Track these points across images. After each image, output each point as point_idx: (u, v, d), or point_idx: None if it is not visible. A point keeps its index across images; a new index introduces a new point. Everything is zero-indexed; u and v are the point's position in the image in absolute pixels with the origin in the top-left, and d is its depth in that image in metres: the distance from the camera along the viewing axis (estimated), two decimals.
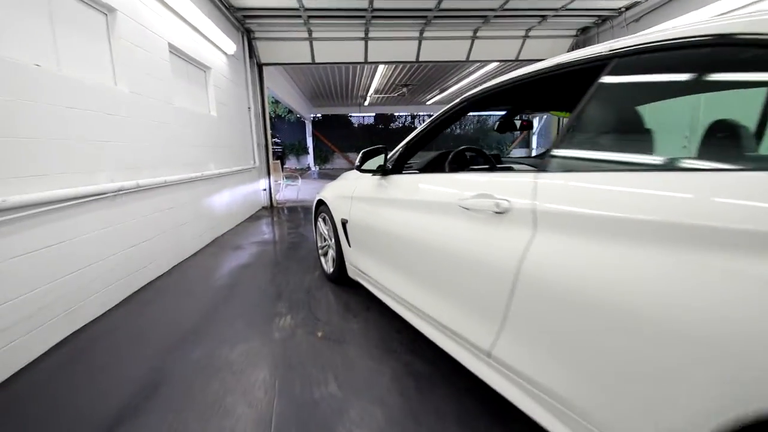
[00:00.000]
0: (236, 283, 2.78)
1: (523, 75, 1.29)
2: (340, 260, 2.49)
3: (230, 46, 4.87)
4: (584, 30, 6.48)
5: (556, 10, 5.43)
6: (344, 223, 2.29)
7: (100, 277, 2.30)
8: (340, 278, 2.55)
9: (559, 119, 7.96)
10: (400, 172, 1.90)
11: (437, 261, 1.41)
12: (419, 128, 1.78)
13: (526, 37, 6.52)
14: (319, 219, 2.84)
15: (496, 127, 2.15)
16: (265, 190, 6.63)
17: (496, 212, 1.11)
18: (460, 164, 2.00)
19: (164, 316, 2.25)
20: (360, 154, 1.90)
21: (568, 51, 7.11)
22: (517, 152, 17.85)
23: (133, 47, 2.82)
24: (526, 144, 18.06)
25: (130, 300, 2.50)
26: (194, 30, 3.94)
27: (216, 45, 4.58)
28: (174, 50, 3.55)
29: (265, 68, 6.62)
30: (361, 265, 2.17)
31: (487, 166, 2.09)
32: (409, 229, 1.61)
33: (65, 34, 2.24)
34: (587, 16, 5.87)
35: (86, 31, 2.44)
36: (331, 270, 2.68)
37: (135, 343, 1.93)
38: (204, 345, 1.88)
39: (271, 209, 6.43)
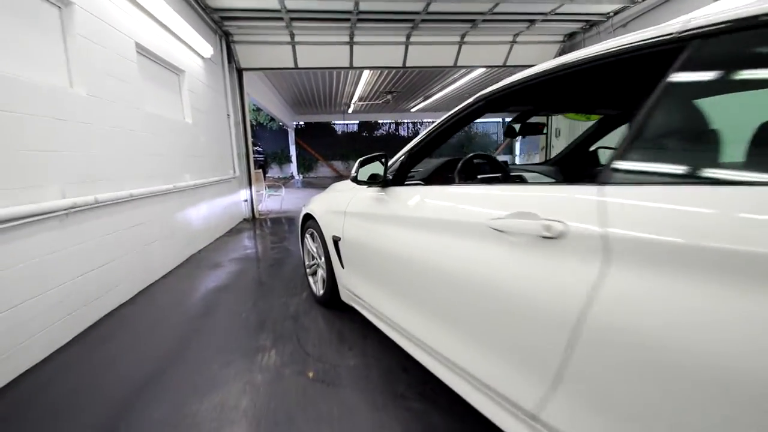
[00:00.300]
0: (212, 310, 2.45)
1: (557, 67, 1.05)
2: (331, 282, 2.20)
3: (206, 48, 4.56)
4: (571, 36, 6.44)
5: (545, 14, 5.33)
6: (336, 241, 2.01)
7: (42, 315, 1.92)
8: (332, 301, 2.26)
9: (548, 128, 7.90)
10: (402, 184, 1.64)
11: (458, 293, 1.14)
12: (425, 132, 1.52)
13: (513, 42, 6.43)
14: (307, 235, 2.55)
15: (505, 132, 1.91)
16: (246, 201, 6.27)
17: (545, 237, 0.86)
18: (468, 173, 1.76)
19: (121, 358, 1.90)
20: (356, 163, 1.63)
21: (556, 56, 7.11)
22: (507, 157, 17.83)
23: (92, 46, 2.49)
24: (510, 150, 18.00)
25: (83, 337, 2.13)
26: (166, 30, 3.62)
27: (191, 47, 4.26)
28: (142, 51, 3.22)
29: (245, 74, 6.30)
30: (358, 290, 1.89)
31: (499, 175, 1.86)
32: (419, 252, 1.34)
33: (7, 28, 1.91)
34: (575, 21, 5.80)
35: (35, 25, 2.11)
36: (321, 292, 2.38)
37: (78, 402, 1.55)
38: (169, 398, 1.55)
39: (254, 221, 6.07)
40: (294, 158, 17.72)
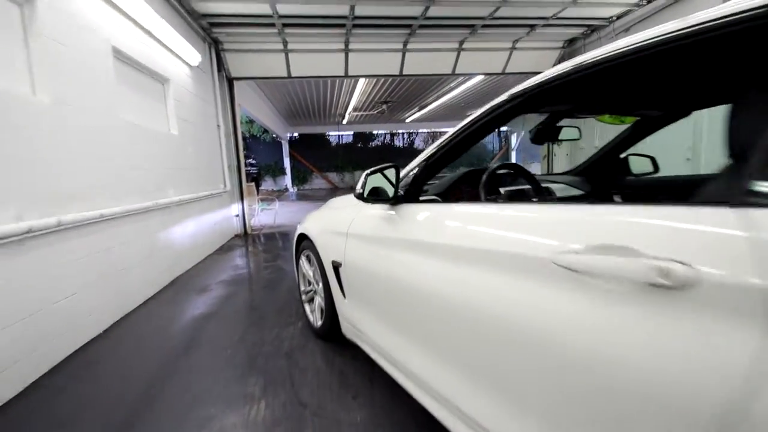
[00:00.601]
0: (194, 345, 2.14)
1: (613, 55, 0.79)
2: (331, 312, 1.91)
3: (194, 56, 4.31)
4: (571, 42, 6.29)
5: (546, 18, 5.16)
6: (336, 267, 1.73)
7: None
8: (331, 334, 1.96)
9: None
10: (417, 201, 1.36)
11: (507, 349, 0.86)
12: (445, 137, 1.25)
13: (513, 49, 6.26)
14: (302, 257, 2.26)
15: (532, 137, 1.65)
16: (237, 216, 5.96)
17: (657, 285, 0.59)
18: (494, 187, 1.49)
19: (74, 418, 1.58)
20: (362, 177, 1.35)
21: (555, 64, 6.95)
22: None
23: (60, 48, 2.22)
24: (505, 159, 17.73)
25: (34, 389, 1.77)
26: (148, 35, 3.36)
27: (176, 54, 4.00)
28: (121, 56, 2.95)
29: (236, 83, 6.06)
30: (363, 325, 1.60)
31: (526, 188, 1.59)
32: (443, 287, 1.06)
33: None
34: (576, 26, 5.65)
35: None
36: (319, 323, 2.09)
37: None
38: None
39: (246, 237, 5.75)
40: (288, 170, 17.46)
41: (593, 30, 5.74)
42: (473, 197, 1.59)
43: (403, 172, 1.40)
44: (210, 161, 4.98)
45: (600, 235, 0.69)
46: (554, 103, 1.23)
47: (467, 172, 1.63)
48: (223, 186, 5.36)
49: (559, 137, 1.68)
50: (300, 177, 18.11)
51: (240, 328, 2.35)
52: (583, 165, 2.13)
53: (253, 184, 7.22)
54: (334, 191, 15.52)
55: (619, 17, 5.29)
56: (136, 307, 2.79)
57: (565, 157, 7.17)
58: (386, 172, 1.35)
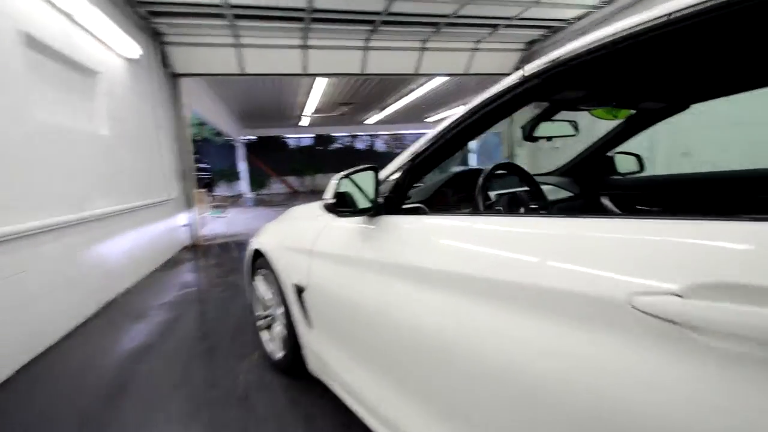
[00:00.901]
0: (121, 394, 1.73)
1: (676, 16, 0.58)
2: (293, 343, 1.59)
3: (131, 48, 3.79)
4: (531, 43, 6.33)
5: (510, 18, 5.11)
6: (300, 291, 1.42)
7: None
8: (294, 368, 1.64)
9: (516, 132, 7.78)
10: (400, 211, 1.10)
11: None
12: (436, 131, 1.00)
13: (475, 49, 6.20)
14: (258, 276, 1.92)
15: (526, 133, 1.43)
16: (187, 226, 5.41)
17: None
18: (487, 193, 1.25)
19: None
20: (333, 182, 1.06)
21: (516, 65, 7.00)
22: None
23: None
24: (463, 161, 17.55)
25: None
26: (72, 21, 2.85)
27: (108, 45, 3.49)
28: (36, 45, 2.44)
29: (183, 80, 5.52)
30: (333, 362, 1.30)
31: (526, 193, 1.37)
32: (447, 330, 0.80)
33: None
34: (537, 27, 5.66)
35: None
36: (279, 355, 1.76)
37: None
38: None
39: (196, 249, 5.22)
40: (244, 175, 16.62)
41: (554, 31, 5.79)
42: (466, 204, 1.35)
43: (381, 176, 1.12)
44: (151, 166, 4.44)
45: (711, 266, 0.45)
46: (573, 87, 1.00)
47: (457, 174, 1.39)
48: (169, 193, 4.82)
49: (553, 134, 1.48)
50: (258, 181, 17.31)
51: (183, 365, 1.96)
52: (570, 164, 1.97)
53: (205, 190, 6.66)
54: (294, 195, 14.93)
55: (578, 19, 5.36)
56: (55, 342, 2.30)
57: (526, 158, 7.22)
58: (361, 175, 1.07)
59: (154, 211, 4.26)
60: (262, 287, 1.86)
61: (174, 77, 5.33)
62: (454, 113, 0.97)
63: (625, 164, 1.91)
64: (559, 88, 0.94)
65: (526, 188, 1.41)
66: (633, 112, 1.62)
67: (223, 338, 2.24)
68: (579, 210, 1.75)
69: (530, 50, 6.44)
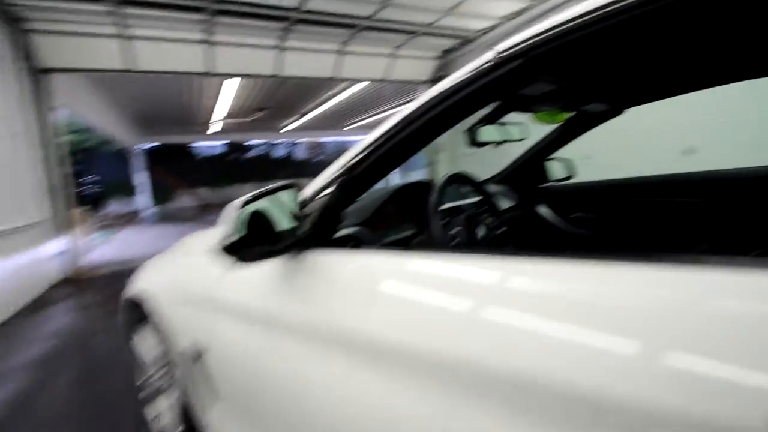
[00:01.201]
0: None
1: None
2: (189, 422, 1.18)
3: None
4: (447, 52, 6.47)
5: (427, 25, 5.12)
6: (197, 357, 1.03)
7: None
8: None
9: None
10: (331, 242, 0.80)
11: None
12: (380, 131, 0.72)
13: (394, 56, 6.16)
14: (140, 332, 1.44)
15: (472, 137, 1.23)
16: (61, 254, 4.39)
17: None
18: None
19: None
20: (234, 209, 0.71)
21: (433, 73, 7.12)
22: None
23: None
24: None
25: None
26: None
27: None
28: None
29: (55, 77, 4.53)
30: None
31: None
32: None
33: None
34: (452, 37, 5.78)
35: None
36: None
37: None
38: None
39: (76, 283, 4.24)
40: (144, 188, 14.65)
41: (467, 41, 5.97)
42: (410, 225, 1.09)
43: (305, 194, 0.81)
44: (10, 181, 3.49)
45: None
46: (553, 75, 0.79)
47: (402, 188, 1.12)
48: (36, 214, 3.85)
49: (500, 138, 1.31)
50: (162, 195, 15.42)
51: None
52: (507, 170, 1.85)
53: (89, 208, 5.56)
54: (205, 209, 13.49)
55: (486, 31, 5.57)
56: None
57: (447, 164, 7.32)
58: (275, 197, 0.75)
59: (12, 239, 3.32)
60: (145, 346, 1.39)
61: (40, 72, 4.33)
62: (389, 116, 0.71)
63: (557, 170, 1.85)
64: (534, 77, 0.73)
65: (475, 199, 1.21)
66: (571, 115, 1.54)
67: (97, 420, 1.68)
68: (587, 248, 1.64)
69: (446, 59, 6.59)
